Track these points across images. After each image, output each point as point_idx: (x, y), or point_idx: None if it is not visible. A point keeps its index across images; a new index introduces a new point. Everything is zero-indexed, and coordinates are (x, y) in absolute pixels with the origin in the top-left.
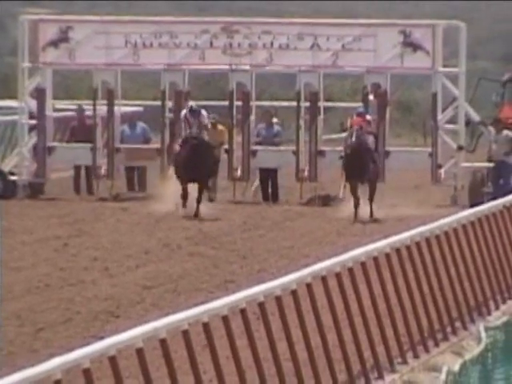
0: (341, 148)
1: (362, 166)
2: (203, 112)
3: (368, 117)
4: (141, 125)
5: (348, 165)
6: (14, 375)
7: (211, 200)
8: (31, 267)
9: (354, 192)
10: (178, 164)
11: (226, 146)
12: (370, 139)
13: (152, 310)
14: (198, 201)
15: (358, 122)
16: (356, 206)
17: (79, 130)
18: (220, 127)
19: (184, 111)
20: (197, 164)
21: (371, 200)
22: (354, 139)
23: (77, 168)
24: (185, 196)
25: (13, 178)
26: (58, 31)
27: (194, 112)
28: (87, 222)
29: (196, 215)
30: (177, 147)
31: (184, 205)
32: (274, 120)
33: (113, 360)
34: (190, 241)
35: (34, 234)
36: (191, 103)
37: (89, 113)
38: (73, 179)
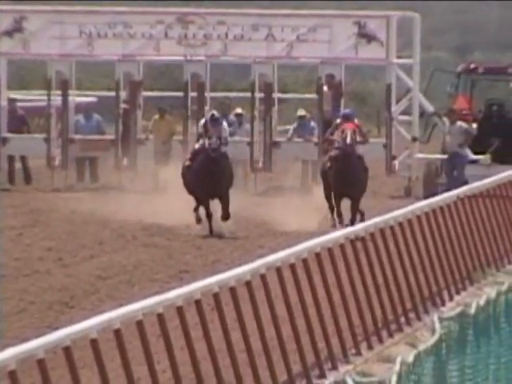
0: (325, 154)
1: (354, 176)
2: (225, 124)
3: (356, 120)
4: (96, 117)
5: (339, 174)
6: None
7: (228, 217)
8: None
9: (338, 205)
10: (191, 178)
11: (177, 137)
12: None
13: (106, 301)
14: (226, 217)
15: (350, 126)
16: (339, 221)
17: (12, 121)
18: (168, 117)
19: (204, 119)
20: (218, 178)
21: (355, 213)
22: (348, 141)
23: (10, 158)
24: (209, 215)
25: None
26: (12, 21)
27: (216, 121)
28: (42, 213)
29: (224, 234)
30: (186, 161)
31: (211, 228)
32: (238, 110)
33: (67, 351)
34: (145, 232)
35: None
36: (213, 111)
37: (43, 103)
38: (7, 170)
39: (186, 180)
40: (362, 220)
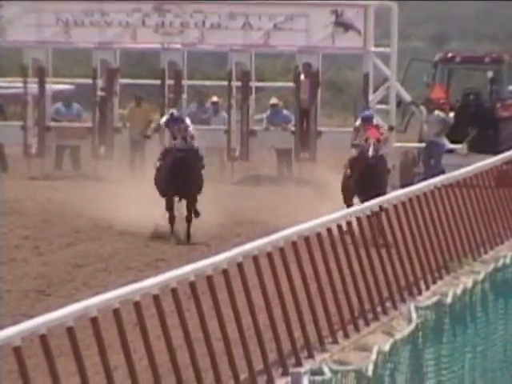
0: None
1: (375, 185)
2: (187, 120)
3: (375, 121)
4: (76, 105)
5: (360, 185)
6: None
7: (197, 215)
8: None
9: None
10: (160, 179)
11: (154, 125)
12: (384, 149)
13: (83, 289)
14: (189, 219)
15: (375, 133)
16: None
17: None
18: (145, 105)
19: (164, 118)
20: (184, 179)
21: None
22: (371, 154)
23: None
24: (172, 218)
25: None
26: None
27: (177, 120)
28: (18, 201)
29: (189, 237)
30: (156, 163)
31: (172, 229)
32: (214, 99)
33: (43, 339)
34: (120, 220)
35: None
36: (172, 110)
37: (20, 90)
38: None
39: (156, 181)
40: None
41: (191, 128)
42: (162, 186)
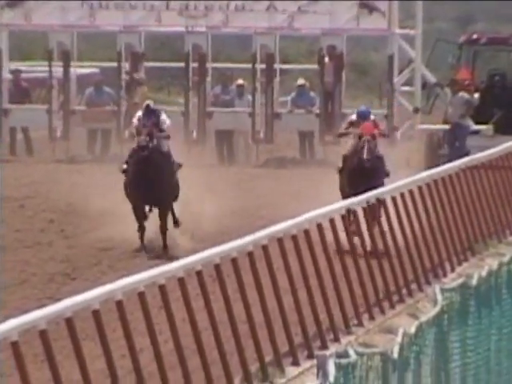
0: (342, 155)
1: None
2: (163, 115)
3: (372, 117)
4: (107, 89)
5: (354, 184)
6: None
7: (177, 224)
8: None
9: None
10: (127, 184)
11: (178, 109)
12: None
13: (108, 272)
14: (163, 230)
15: (369, 128)
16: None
17: (15, 92)
18: (144, 89)
19: (139, 112)
20: (152, 183)
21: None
22: (365, 156)
23: (12, 130)
24: (142, 226)
25: None
26: None
27: (151, 113)
28: (43, 184)
29: (165, 247)
30: (123, 166)
31: (142, 238)
32: (240, 82)
33: (69, 322)
34: None
35: None
36: (148, 101)
37: (45, 74)
38: (9, 141)
39: (125, 187)
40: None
41: (166, 125)
42: (129, 192)
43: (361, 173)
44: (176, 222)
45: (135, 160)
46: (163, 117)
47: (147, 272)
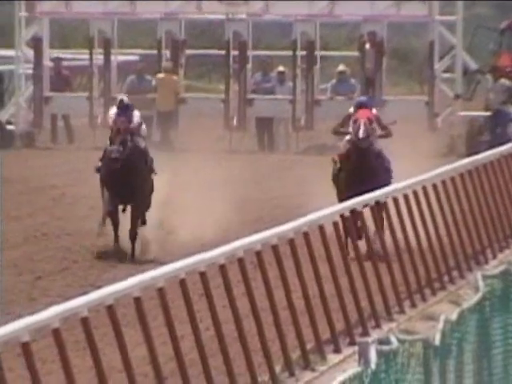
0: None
1: (371, 177)
2: (136, 112)
3: (374, 111)
4: (148, 77)
5: (352, 175)
6: (12, 323)
7: (144, 223)
8: (28, 216)
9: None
10: (102, 184)
11: (181, 95)
12: (380, 145)
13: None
14: (133, 237)
15: (365, 114)
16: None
17: (56, 80)
18: (174, 77)
19: (113, 109)
20: (125, 182)
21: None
22: (360, 135)
23: (53, 117)
24: (116, 223)
25: (10, 127)
26: None
27: (125, 109)
28: (83, 172)
29: (133, 255)
30: (98, 164)
31: (117, 238)
32: (280, 69)
33: (110, 309)
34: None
35: (30, 184)
36: (121, 96)
37: (85, 62)
38: (50, 129)
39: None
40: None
41: (138, 121)
42: (105, 189)
43: (358, 160)
44: (144, 222)
45: (109, 159)
46: (137, 113)
47: (188, 259)
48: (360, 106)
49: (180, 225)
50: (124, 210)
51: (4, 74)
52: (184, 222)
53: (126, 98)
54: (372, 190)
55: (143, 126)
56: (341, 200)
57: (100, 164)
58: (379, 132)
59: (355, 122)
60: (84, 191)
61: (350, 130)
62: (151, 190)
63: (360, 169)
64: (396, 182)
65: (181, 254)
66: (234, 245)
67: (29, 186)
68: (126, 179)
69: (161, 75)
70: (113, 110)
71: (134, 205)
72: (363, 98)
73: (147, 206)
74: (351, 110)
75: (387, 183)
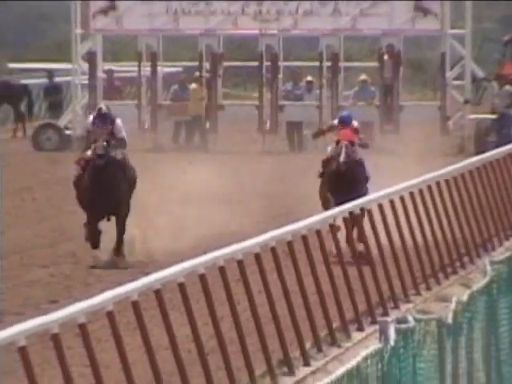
0: (322, 162)
1: (351, 192)
2: (118, 121)
3: (355, 123)
4: (189, 87)
5: (334, 192)
6: (70, 307)
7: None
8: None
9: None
10: (81, 191)
11: (252, 102)
12: (359, 155)
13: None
14: (119, 242)
15: (347, 135)
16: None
17: (108, 90)
18: (199, 85)
19: (91, 116)
20: (109, 192)
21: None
22: (342, 159)
23: None
24: (95, 239)
25: (68, 132)
26: (107, 1)
27: (104, 118)
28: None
29: (116, 264)
30: (78, 168)
31: (95, 246)
32: (309, 78)
33: (158, 293)
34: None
35: None
36: (101, 105)
37: (134, 73)
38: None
39: (77, 193)
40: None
41: (121, 130)
42: (84, 198)
43: (338, 177)
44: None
45: (91, 168)
46: (118, 123)
47: (227, 248)
48: (343, 122)
49: (215, 219)
50: (108, 219)
51: (63, 84)
52: (220, 217)
53: (104, 107)
54: (353, 196)
55: (123, 135)
56: (323, 199)
57: (78, 173)
58: (358, 142)
59: (338, 142)
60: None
61: (328, 133)
62: (126, 201)
63: (340, 188)
64: (411, 178)
65: (219, 243)
66: (267, 236)
67: None
68: (106, 185)
69: (193, 85)
70: (91, 117)
71: (116, 213)
72: (345, 115)
73: (126, 214)
74: (335, 121)
75: (365, 192)
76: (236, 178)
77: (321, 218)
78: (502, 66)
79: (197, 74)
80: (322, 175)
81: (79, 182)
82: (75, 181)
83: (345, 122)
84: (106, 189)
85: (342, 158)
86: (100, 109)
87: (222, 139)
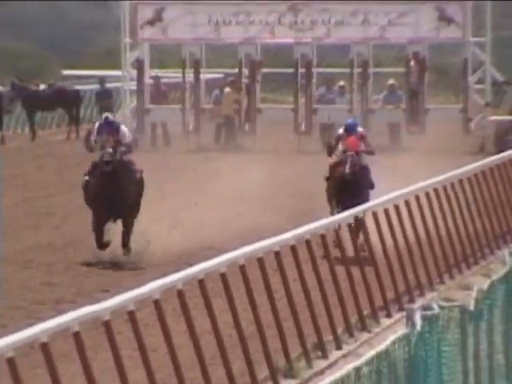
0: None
1: (355, 199)
2: (123, 128)
3: (360, 130)
4: (226, 90)
5: (339, 196)
6: (120, 295)
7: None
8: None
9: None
10: (89, 196)
11: (289, 106)
12: (365, 161)
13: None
14: (125, 243)
15: (353, 144)
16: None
17: (155, 95)
18: (233, 91)
19: (97, 124)
20: (114, 197)
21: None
22: (347, 170)
23: (153, 126)
24: (101, 242)
25: None
26: (154, 12)
27: (111, 125)
28: (178, 170)
29: (115, 264)
30: (84, 178)
31: (102, 247)
32: (341, 83)
33: (201, 283)
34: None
35: None
36: (107, 114)
37: (179, 79)
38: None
39: (85, 197)
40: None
41: (127, 136)
42: (93, 203)
43: (343, 184)
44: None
45: (99, 174)
46: (123, 129)
47: (264, 241)
48: (348, 129)
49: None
50: (115, 221)
51: (113, 90)
52: (256, 213)
53: (111, 116)
54: (357, 202)
55: (129, 140)
56: (330, 203)
57: (86, 178)
58: (364, 149)
59: (344, 152)
60: (178, 185)
61: (339, 153)
62: (135, 205)
63: (346, 195)
64: (437, 176)
65: (258, 237)
66: (302, 229)
67: None
68: (113, 191)
69: (227, 89)
70: (97, 124)
71: (123, 217)
72: (350, 122)
73: (135, 216)
74: (340, 131)
75: (368, 198)
76: (273, 177)
77: (340, 217)
78: None
79: (230, 78)
80: (328, 179)
81: (86, 187)
82: (84, 186)
83: (350, 130)
84: (113, 195)
85: (347, 169)
86: (106, 117)
87: (260, 140)
